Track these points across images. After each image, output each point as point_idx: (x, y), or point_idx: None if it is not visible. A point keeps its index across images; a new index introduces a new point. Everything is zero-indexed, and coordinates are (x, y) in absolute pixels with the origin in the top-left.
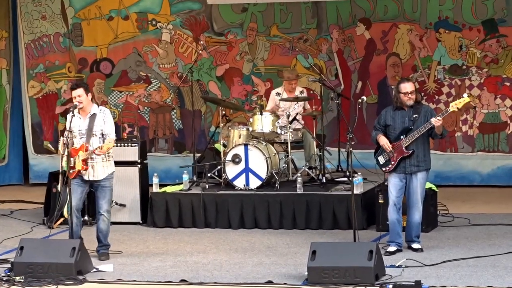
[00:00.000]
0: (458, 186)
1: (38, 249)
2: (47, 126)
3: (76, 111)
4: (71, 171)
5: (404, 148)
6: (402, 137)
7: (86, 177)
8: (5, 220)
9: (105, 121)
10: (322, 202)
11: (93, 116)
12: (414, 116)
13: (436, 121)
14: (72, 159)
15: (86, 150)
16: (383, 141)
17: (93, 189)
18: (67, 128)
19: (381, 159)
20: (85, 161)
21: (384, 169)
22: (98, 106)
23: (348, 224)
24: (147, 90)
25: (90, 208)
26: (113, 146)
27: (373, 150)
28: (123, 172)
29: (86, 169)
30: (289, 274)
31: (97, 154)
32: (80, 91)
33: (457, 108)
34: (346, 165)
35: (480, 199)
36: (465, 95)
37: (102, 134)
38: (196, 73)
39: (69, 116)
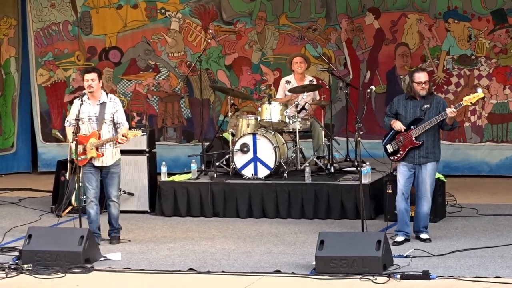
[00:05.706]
0: (466, 176)
1: (46, 237)
2: (56, 114)
3: (85, 97)
4: (81, 158)
5: (414, 139)
6: (412, 127)
7: (96, 163)
8: (14, 208)
9: (117, 109)
10: (330, 192)
11: (103, 104)
12: (425, 106)
13: (451, 112)
14: (81, 146)
15: (99, 138)
16: (399, 124)
17: (101, 177)
18: (76, 116)
19: (390, 148)
20: (97, 149)
21: (392, 158)
22: (107, 94)
23: (356, 214)
24: (155, 79)
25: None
26: None
27: (381, 140)
28: (131, 160)
29: (102, 156)
30: (297, 263)
31: (120, 142)
32: (93, 75)
33: (471, 102)
34: (354, 155)
35: (488, 189)
36: (479, 90)
37: (113, 122)
38: (205, 62)
39: (77, 103)
